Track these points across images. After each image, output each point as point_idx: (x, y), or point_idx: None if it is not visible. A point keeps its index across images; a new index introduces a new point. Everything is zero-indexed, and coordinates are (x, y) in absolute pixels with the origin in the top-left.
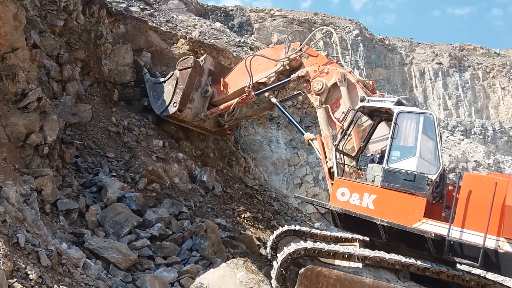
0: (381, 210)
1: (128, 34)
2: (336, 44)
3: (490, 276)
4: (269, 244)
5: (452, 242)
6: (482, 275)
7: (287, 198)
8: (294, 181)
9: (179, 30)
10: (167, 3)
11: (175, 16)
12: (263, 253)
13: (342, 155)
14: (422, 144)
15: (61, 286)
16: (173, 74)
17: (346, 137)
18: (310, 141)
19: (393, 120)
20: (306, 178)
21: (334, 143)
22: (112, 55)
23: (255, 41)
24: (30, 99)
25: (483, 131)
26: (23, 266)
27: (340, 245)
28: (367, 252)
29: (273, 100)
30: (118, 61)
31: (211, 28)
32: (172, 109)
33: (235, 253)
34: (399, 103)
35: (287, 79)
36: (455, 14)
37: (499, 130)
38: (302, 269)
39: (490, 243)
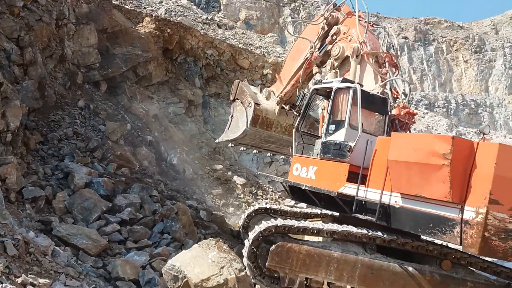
0: (319, 179)
1: (92, 13)
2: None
3: (451, 245)
4: (240, 223)
5: (363, 202)
6: (444, 244)
7: (258, 177)
8: (264, 160)
9: (144, 8)
10: None
11: None
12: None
13: (301, 136)
14: (351, 116)
15: (29, 275)
16: (232, 106)
17: (303, 118)
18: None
19: (331, 97)
20: (276, 156)
21: (294, 124)
22: (75, 36)
23: (222, 18)
24: None
25: (446, 104)
26: None
27: (310, 221)
28: (335, 226)
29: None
30: (81, 42)
31: (177, 5)
32: (251, 110)
33: (206, 233)
34: (344, 81)
35: (325, 45)
36: None
37: (462, 103)
38: (273, 246)
39: (385, 199)
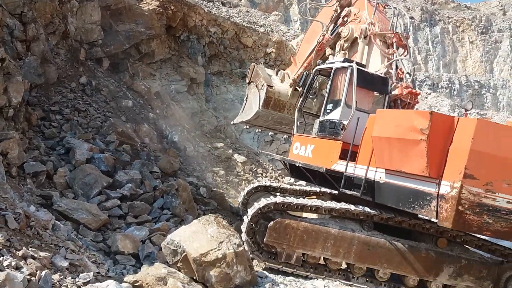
0: (315, 157)
1: None
2: None
3: None
4: (240, 199)
5: (352, 178)
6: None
7: (258, 155)
8: (265, 138)
9: None
10: None
11: None
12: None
13: (303, 115)
14: (348, 95)
15: (30, 249)
16: (247, 89)
17: (306, 99)
18: None
19: (330, 77)
20: (277, 135)
21: (297, 105)
22: (78, 13)
23: None
24: None
25: (449, 85)
26: None
27: (308, 198)
28: (333, 204)
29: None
30: (85, 19)
31: None
32: (263, 92)
33: (206, 210)
34: (344, 61)
35: (336, 27)
36: None
37: (465, 84)
38: (271, 223)
39: (371, 175)
